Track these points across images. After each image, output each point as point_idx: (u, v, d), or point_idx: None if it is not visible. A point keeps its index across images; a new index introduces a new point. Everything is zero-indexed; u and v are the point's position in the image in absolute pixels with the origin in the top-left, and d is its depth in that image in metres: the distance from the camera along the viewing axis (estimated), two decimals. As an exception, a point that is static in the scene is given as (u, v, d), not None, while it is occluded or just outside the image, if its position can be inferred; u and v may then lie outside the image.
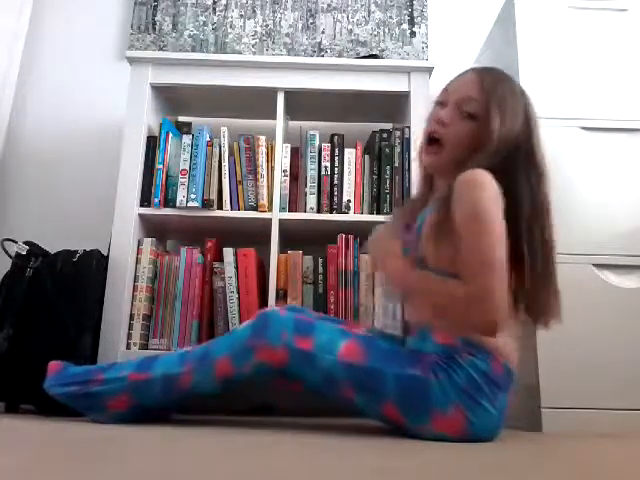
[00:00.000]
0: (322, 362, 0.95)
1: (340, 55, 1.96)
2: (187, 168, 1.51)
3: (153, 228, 1.56)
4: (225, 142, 1.54)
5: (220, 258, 1.48)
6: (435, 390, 0.92)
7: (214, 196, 1.51)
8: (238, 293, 1.45)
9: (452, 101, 1.03)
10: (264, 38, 1.98)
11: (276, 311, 1.01)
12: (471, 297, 0.88)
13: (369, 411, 0.97)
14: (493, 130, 0.97)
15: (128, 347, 1.39)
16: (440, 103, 1.06)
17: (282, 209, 1.51)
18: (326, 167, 1.56)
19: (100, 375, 1.03)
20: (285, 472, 0.61)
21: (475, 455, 0.79)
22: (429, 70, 1.58)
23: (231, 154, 1.55)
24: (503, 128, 0.97)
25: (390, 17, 2.01)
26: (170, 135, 1.55)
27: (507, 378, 0.95)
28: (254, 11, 2.01)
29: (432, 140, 1.04)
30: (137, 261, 1.46)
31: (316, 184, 1.55)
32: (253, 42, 1.97)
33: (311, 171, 1.56)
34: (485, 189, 0.91)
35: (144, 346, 1.42)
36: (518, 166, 0.98)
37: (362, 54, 1.93)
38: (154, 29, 1.97)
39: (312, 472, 0.62)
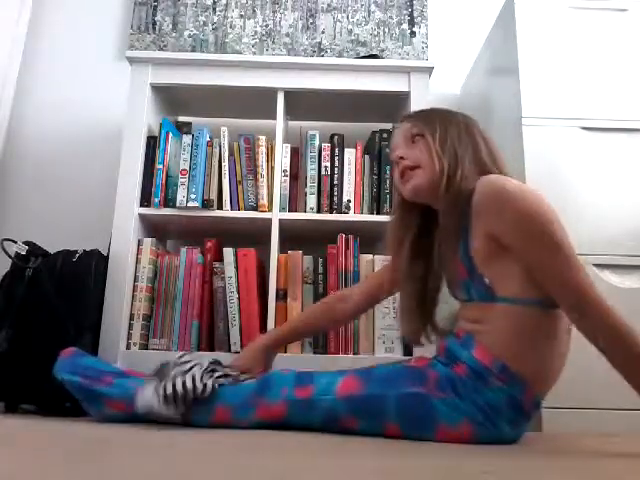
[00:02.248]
0: (321, 404, 0.95)
1: (340, 55, 1.96)
2: (187, 168, 1.51)
3: (153, 228, 1.56)
4: (225, 142, 1.54)
5: (220, 258, 1.48)
6: (438, 406, 0.90)
7: (214, 196, 1.51)
8: (238, 293, 1.45)
9: (400, 142, 1.07)
10: (264, 38, 1.98)
11: (279, 371, 1.05)
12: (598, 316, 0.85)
13: (371, 434, 0.95)
14: (442, 140, 1.01)
15: (128, 347, 1.39)
16: (393, 160, 1.09)
17: (282, 209, 1.51)
18: (326, 167, 1.56)
19: (110, 379, 1.05)
20: (284, 472, 0.61)
21: (475, 455, 0.79)
22: (429, 70, 1.58)
23: (231, 154, 1.55)
24: (453, 140, 1.01)
25: (390, 17, 2.01)
26: (170, 135, 1.54)
27: (533, 409, 0.94)
28: (254, 11, 2.01)
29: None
30: (137, 261, 1.46)
31: (316, 184, 1.55)
32: (253, 42, 1.97)
33: (311, 171, 1.56)
34: (525, 197, 0.90)
35: (144, 346, 1.42)
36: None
37: (362, 54, 1.93)
38: (154, 29, 1.97)
39: (312, 472, 0.62)
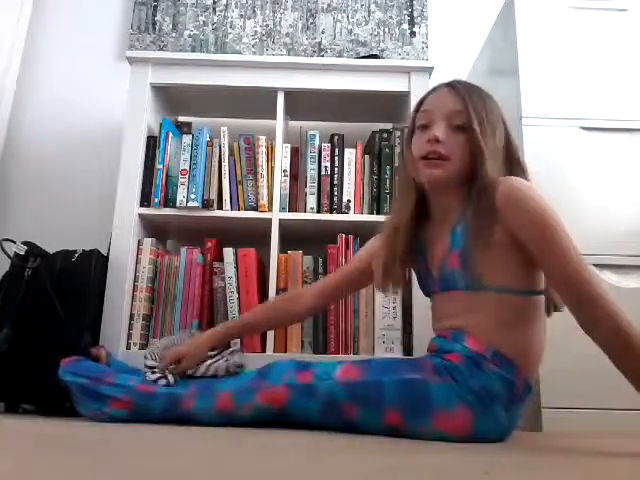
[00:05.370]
0: (321, 389, 0.98)
1: (340, 55, 1.96)
2: (187, 168, 1.51)
3: (153, 228, 1.56)
4: (225, 142, 1.54)
5: (220, 258, 1.48)
6: (435, 390, 0.92)
7: (214, 196, 1.51)
8: (238, 293, 1.45)
9: (440, 118, 1.01)
10: (264, 38, 1.98)
11: (279, 360, 1.08)
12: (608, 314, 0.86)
13: (370, 426, 0.96)
14: (486, 138, 0.98)
15: (128, 347, 1.39)
16: (424, 126, 1.03)
17: (282, 209, 1.51)
18: (326, 167, 1.56)
19: (111, 378, 1.07)
20: (285, 472, 0.61)
21: (475, 455, 0.79)
22: (429, 70, 1.58)
23: (231, 154, 1.55)
24: (493, 135, 0.99)
25: (390, 17, 2.01)
26: (170, 135, 1.54)
27: (526, 392, 0.97)
28: (254, 11, 2.01)
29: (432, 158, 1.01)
30: (137, 261, 1.46)
31: (316, 184, 1.55)
32: (253, 42, 1.97)
33: (311, 171, 1.56)
34: (541, 199, 0.93)
35: (144, 346, 1.41)
36: (511, 168, 1.01)
37: (362, 54, 1.93)
38: (154, 29, 1.97)
39: (312, 472, 0.62)
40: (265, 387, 1.00)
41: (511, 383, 0.93)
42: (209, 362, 1.11)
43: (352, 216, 1.53)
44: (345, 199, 1.54)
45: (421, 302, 1.37)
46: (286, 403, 0.99)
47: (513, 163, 1.02)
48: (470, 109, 0.99)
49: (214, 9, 2.00)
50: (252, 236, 1.53)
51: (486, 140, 0.98)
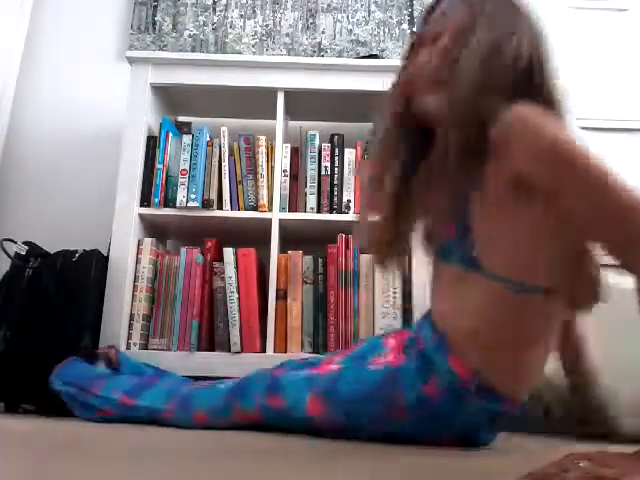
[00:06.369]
0: (295, 415, 0.91)
1: (340, 55, 1.96)
2: (187, 168, 1.51)
3: (153, 228, 1.56)
4: (225, 142, 1.54)
5: (220, 258, 1.48)
6: (414, 428, 0.84)
7: (214, 196, 1.51)
8: (238, 293, 1.45)
9: (448, 33, 0.83)
10: (264, 38, 1.98)
11: (259, 372, 1.01)
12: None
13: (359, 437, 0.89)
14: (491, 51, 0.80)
15: (128, 347, 1.39)
16: (421, 41, 0.85)
17: (282, 209, 1.51)
18: (326, 167, 1.56)
19: (98, 389, 1.08)
20: (285, 473, 0.61)
21: (475, 456, 0.79)
22: (429, 70, 1.58)
23: (231, 154, 1.55)
24: (503, 48, 0.81)
25: (390, 17, 2.01)
26: (170, 135, 1.54)
27: (514, 411, 0.84)
28: (254, 11, 2.01)
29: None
30: (137, 261, 1.46)
31: (316, 184, 1.55)
32: (253, 42, 1.97)
33: (311, 171, 1.56)
34: (548, 125, 0.72)
35: (144, 346, 1.42)
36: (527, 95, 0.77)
37: (362, 54, 1.93)
38: (154, 29, 1.97)
39: (312, 472, 0.62)
40: (239, 409, 0.96)
41: (497, 413, 0.82)
42: None
43: (352, 216, 1.53)
44: (345, 199, 1.54)
45: (421, 302, 1.37)
46: (264, 421, 0.95)
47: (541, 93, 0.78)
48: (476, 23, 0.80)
49: (214, 9, 2.00)
50: (252, 236, 1.53)
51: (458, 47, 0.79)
